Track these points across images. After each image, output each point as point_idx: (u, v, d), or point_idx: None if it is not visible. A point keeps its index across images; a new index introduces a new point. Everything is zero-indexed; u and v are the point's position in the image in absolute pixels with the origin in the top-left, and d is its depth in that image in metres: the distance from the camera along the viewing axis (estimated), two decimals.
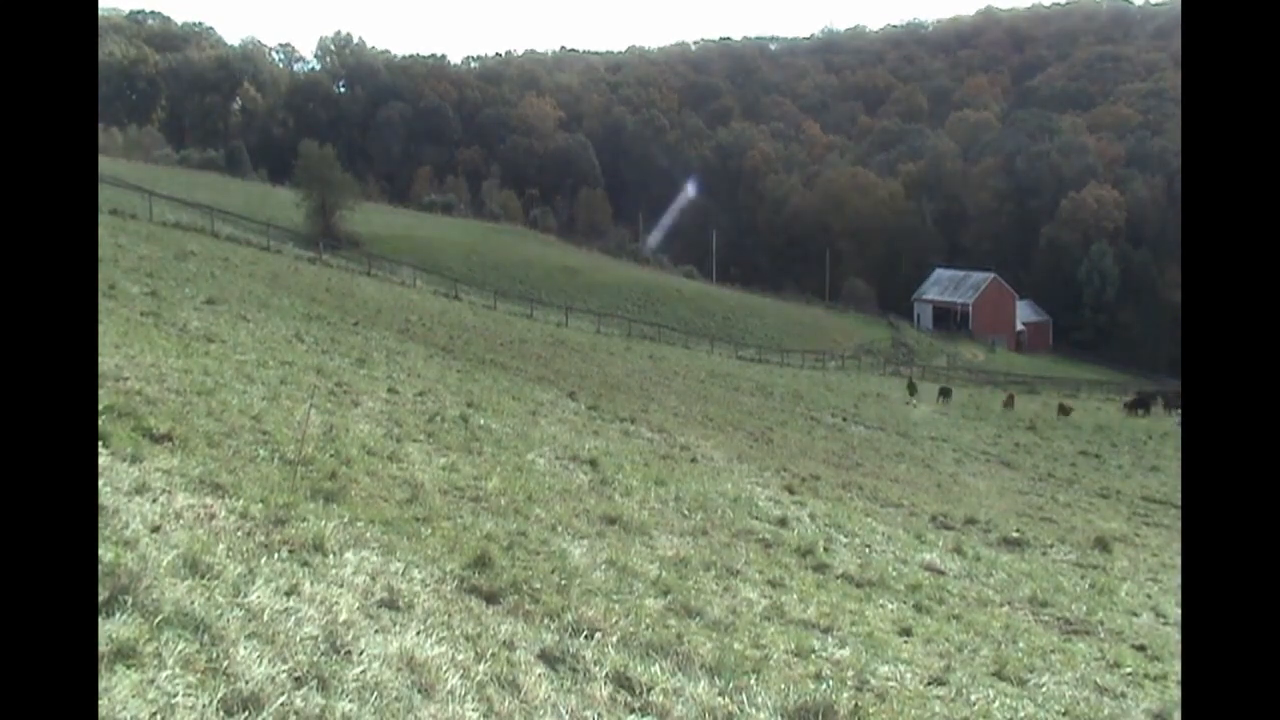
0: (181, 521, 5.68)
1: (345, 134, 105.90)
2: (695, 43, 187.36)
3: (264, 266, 28.39)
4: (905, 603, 8.15)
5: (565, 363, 24.61)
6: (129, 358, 10.40)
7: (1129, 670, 7.26)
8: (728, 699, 4.98)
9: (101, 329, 11.01)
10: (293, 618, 4.58)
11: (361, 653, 4.40)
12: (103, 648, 3.71)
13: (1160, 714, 6.31)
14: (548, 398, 16.78)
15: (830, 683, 5.54)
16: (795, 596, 7.58)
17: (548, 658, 5.06)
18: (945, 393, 38.38)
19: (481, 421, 12.36)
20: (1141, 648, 7.98)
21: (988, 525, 12.95)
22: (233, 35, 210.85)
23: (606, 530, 8.37)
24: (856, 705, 5.16)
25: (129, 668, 3.73)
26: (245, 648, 4.12)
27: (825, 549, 9.44)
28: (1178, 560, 11.60)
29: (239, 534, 5.76)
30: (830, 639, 6.58)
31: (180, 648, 3.95)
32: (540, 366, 22.12)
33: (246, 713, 3.66)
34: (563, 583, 6.38)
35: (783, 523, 10.38)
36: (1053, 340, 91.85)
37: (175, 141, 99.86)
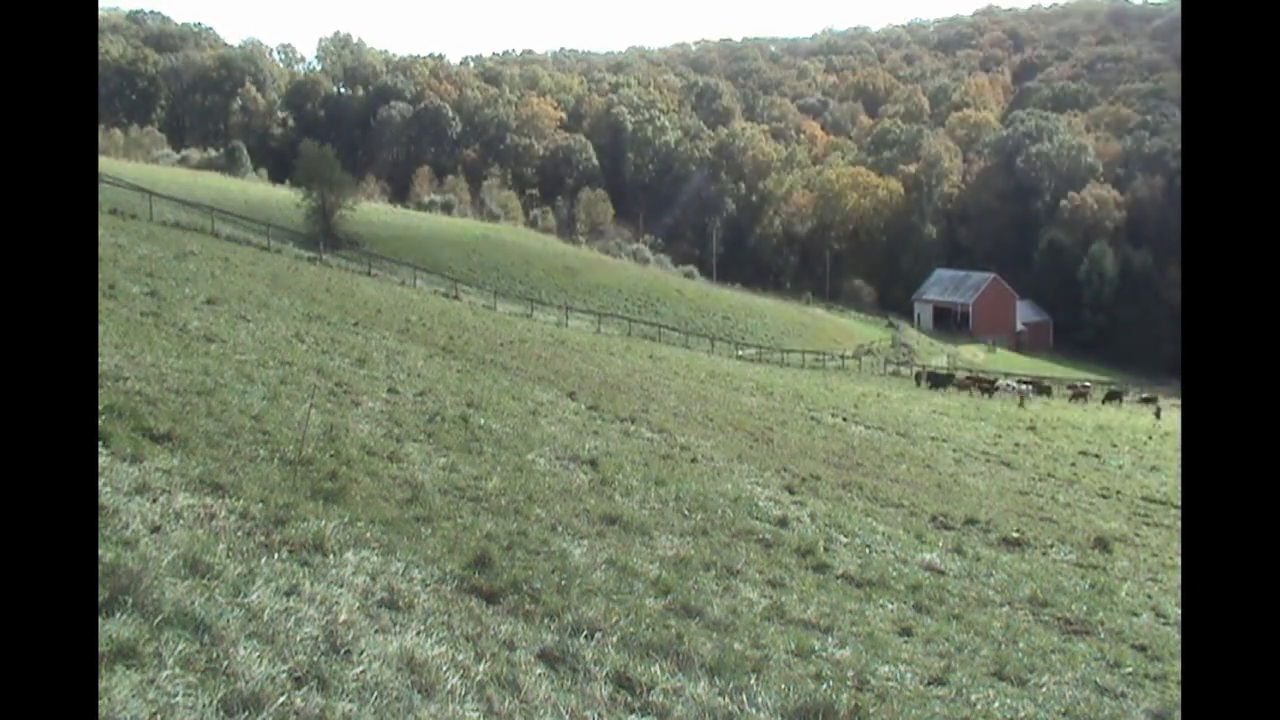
0: (181, 521, 5.68)
1: (345, 134, 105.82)
2: (695, 43, 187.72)
3: (264, 266, 28.37)
4: (905, 603, 8.15)
5: (565, 363, 24.61)
6: (129, 358, 10.40)
7: (1129, 670, 7.26)
8: (728, 699, 4.98)
9: (101, 329, 11.00)
10: (293, 618, 4.58)
11: (361, 653, 4.40)
12: (103, 648, 3.71)
13: (1160, 714, 6.31)
14: (548, 398, 16.78)
15: (830, 683, 5.54)
16: (795, 596, 7.58)
17: (548, 658, 5.06)
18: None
19: (481, 421, 12.36)
20: (1141, 648, 7.98)
21: (988, 525, 12.95)
22: (233, 35, 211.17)
23: (606, 530, 8.37)
24: (856, 705, 5.16)
25: (129, 668, 3.73)
26: (245, 648, 4.12)
27: (825, 549, 9.44)
28: (1178, 560, 11.61)
29: (239, 534, 5.76)
30: (830, 639, 6.58)
31: (180, 648, 3.94)
32: (540, 366, 22.12)
33: (246, 713, 3.66)
34: (563, 583, 6.37)
35: (783, 523, 10.38)
36: (1053, 340, 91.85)
37: (175, 141, 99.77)
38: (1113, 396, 50.65)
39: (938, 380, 46.83)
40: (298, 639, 4.35)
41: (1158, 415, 41.46)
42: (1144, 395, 53.77)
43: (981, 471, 19.86)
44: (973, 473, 19.37)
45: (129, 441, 7.05)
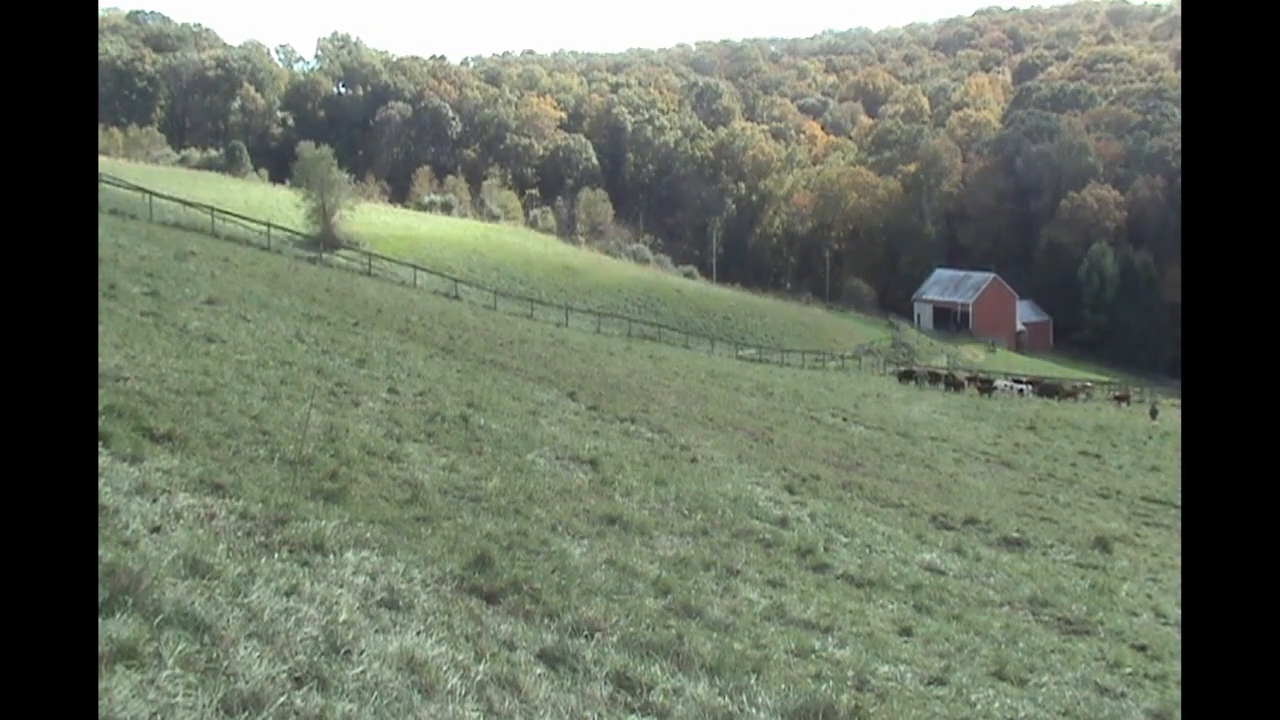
0: (181, 521, 5.68)
1: (345, 134, 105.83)
2: (695, 43, 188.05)
3: (264, 266, 28.36)
4: (905, 603, 8.15)
5: (565, 363, 24.61)
6: (129, 358, 10.39)
7: (1129, 670, 7.27)
8: (728, 699, 4.98)
9: (101, 329, 11.00)
10: (293, 618, 4.58)
11: (361, 653, 4.40)
12: (103, 648, 3.70)
13: (1160, 714, 6.31)
14: (548, 398, 16.78)
15: (830, 683, 5.53)
16: (795, 596, 7.58)
17: (548, 658, 5.06)
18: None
19: (481, 421, 12.35)
20: (1141, 648, 7.98)
21: (988, 525, 12.95)
22: (232, 35, 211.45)
23: (606, 530, 8.37)
24: (856, 705, 5.16)
25: (129, 668, 3.72)
26: (245, 648, 4.12)
27: (825, 549, 9.44)
28: (1178, 560, 11.60)
29: (239, 534, 5.76)
30: (830, 639, 6.58)
31: (180, 648, 3.94)
32: (540, 366, 22.12)
33: (246, 713, 3.66)
34: (563, 583, 6.37)
35: (783, 523, 10.38)
36: (1053, 340, 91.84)
37: (175, 141, 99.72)
38: (1054, 392, 50.04)
39: (936, 380, 46.81)
40: (298, 639, 4.35)
41: (1154, 415, 41.13)
42: (1117, 394, 52.85)
43: (981, 471, 19.87)
44: (973, 473, 19.37)
45: (129, 441, 7.05)
